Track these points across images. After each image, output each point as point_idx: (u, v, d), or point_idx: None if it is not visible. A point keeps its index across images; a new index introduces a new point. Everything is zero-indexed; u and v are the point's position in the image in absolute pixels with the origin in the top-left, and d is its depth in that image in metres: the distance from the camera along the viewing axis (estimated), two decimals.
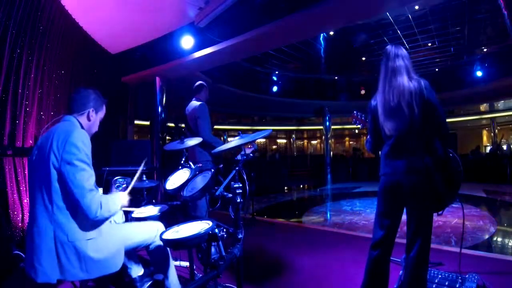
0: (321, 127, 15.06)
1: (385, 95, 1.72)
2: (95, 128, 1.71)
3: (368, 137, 1.95)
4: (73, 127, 1.52)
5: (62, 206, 1.41)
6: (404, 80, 1.70)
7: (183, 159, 2.37)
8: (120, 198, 1.61)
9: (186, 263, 2.36)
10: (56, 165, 1.41)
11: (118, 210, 1.59)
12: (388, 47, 1.81)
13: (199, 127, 3.27)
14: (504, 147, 13.46)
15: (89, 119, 1.65)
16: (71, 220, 1.42)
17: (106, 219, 1.52)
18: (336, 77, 12.91)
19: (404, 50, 1.79)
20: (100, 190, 1.76)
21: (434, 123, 1.68)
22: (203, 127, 3.27)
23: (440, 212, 1.76)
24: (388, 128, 1.71)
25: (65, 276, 1.42)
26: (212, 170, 1.94)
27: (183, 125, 4.50)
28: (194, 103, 3.44)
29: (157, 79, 6.46)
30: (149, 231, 1.74)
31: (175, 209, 2.14)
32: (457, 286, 2.00)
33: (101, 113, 1.72)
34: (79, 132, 1.49)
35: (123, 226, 1.78)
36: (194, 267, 2.08)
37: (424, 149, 1.67)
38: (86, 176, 1.43)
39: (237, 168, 1.71)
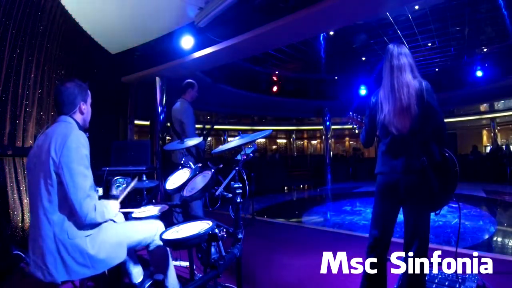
0: (321, 127, 15.04)
1: (395, 93, 1.68)
2: (89, 116, 1.69)
3: (363, 130, 1.96)
4: (70, 129, 1.51)
5: (60, 207, 1.42)
6: (409, 78, 1.69)
7: (183, 159, 2.37)
8: (113, 207, 1.62)
9: (186, 263, 2.36)
10: (54, 168, 1.41)
11: (111, 217, 1.59)
12: (391, 45, 1.79)
13: (185, 129, 3.26)
14: (504, 147, 13.46)
15: (82, 113, 1.63)
16: (69, 219, 1.43)
17: (99, 223, 1.52)
18: (336, 77, 12.91)
19: (406, 48, 1.79)
20: (100, 190, 1.77)
21: (433, 126, 1.67)
22: (189, 130, 3.26)
23: (437, 212, 1.76)
24: (394, 126, 1.68)
25: (72, 276, 1.42)
26: (212, 170, 1.94)
27: (168, 124, 4.51)
28: (179, 103, 3.42)
29: (157, 79, 6.45)
30: (149, 229, 1.74)
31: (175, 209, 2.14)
32: (457, 286, 2.00)
33: (89, 99, 1.68)
34: (76, 134, 1.48)
35: (123, 224, 1.78)
36: (194, 267, 2.08)
37: (421, 149, 1.67)
38: (83, 180, 1.43)
39: (237, 168, 1.71)
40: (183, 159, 2.41)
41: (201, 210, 3.20)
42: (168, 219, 2.04)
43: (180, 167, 2.28)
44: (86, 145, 1.49)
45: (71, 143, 1.44)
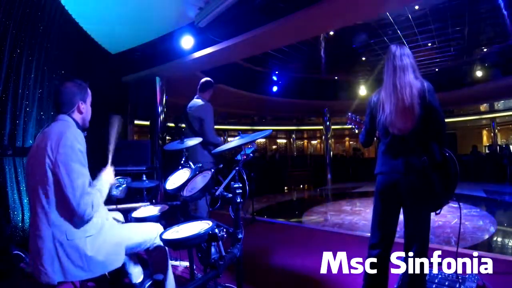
0: (321, 127, 15.05)
1: (397, 93, 1.68)
2: (89, 115, 1.68)
3: (363, 130, 1.96)
4: (66, 127, 1.50)
5: (59, 207, 1.42)
6: (411, 78, 1.69)
7: (183, 159, 2.36)
8: (106, 179, 1.65)
9: (186, 263, 2.36)
10: (51, 167, 1.41)
11: (106, 193, 1.61)
12: (393, 46, 1.79)
13: (204, 128, 3.24)
14: (504, 146, 13.46)
15: (81, 112, 1.61)
16: (68, 220, 1.42)
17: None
18: (336, 77, 12.90)
19: (408, 49, 1.79)
20: None
21: (433, 126, 1.67)
22: (209, 129, 3.25)
23: (437, 212, 1.76)
24: (396, 126, 1.68)
25: (68, 278, 1.42)
26: (212, 170, 1.94)
27: (183, 125, 4.52)
28: (198, 101, 3.36)
29: (157, 79, 6.45)
30: (149, 232, 1.73)
31: (175, 209, 2.14)
32: (457, 286, 2.00)
33: (89, 98, 1.67)
34: (72, 132, 1.48)
35: (122, 226, 1.78)
36: (194, 267, 2.08)
37: (422, 149, 1.67)
38: (80, 178, 1.42)
39: (237, 168, 1.71)
40: (183, 159, 2.41)
41: (206, 212, 3.19)
42: (172, 218, 2.04)
43: (180, 167, 2.28)
44: (82, 143, 1.48)
45: (66, 140, 1.43)
